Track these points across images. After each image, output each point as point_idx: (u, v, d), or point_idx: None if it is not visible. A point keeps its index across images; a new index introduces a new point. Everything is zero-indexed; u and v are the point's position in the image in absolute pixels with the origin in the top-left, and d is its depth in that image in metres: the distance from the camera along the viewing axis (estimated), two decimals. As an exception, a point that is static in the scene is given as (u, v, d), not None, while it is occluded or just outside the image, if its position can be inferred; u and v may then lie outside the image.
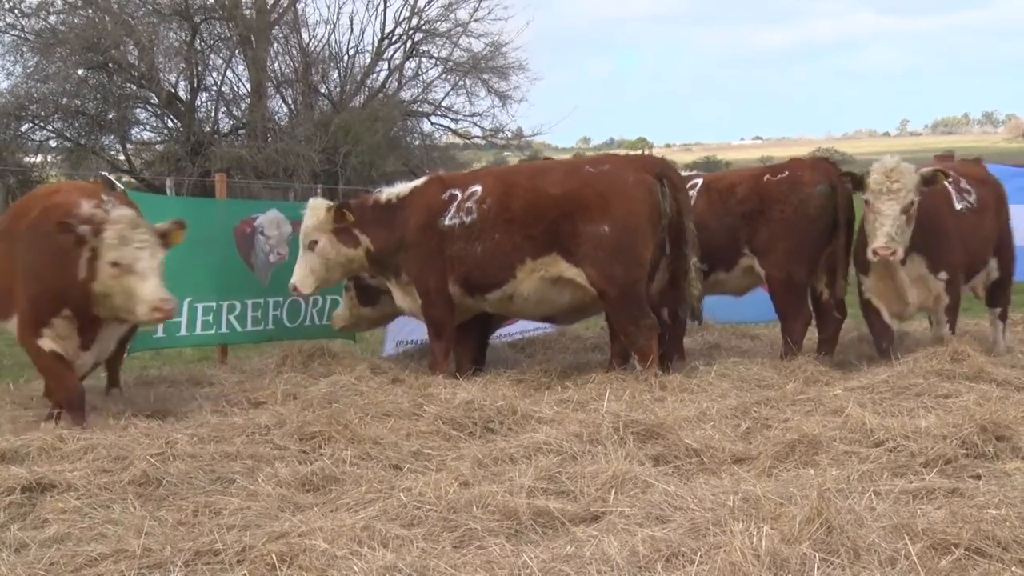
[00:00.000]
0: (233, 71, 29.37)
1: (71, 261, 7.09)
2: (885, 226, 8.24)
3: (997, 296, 9.63)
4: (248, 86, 29.10)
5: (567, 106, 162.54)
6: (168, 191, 23.49)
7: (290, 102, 30.43)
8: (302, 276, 9.12)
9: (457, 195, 8.91)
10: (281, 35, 29.75)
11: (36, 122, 27.77)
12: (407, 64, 30.53)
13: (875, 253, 8.27)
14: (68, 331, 7.32)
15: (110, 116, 27.78)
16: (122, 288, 7.01)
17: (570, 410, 7.31)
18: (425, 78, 30.89)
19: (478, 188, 8.89)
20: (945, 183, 8.70)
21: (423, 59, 30.77)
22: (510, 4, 49.31)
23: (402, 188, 9.31)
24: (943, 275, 8.70)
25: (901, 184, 8.31)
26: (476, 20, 29.94)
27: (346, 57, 30.16)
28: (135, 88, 28.37)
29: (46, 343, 7.29)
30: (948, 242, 8.74)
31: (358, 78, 30.20)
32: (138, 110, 29.27)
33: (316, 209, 9.17)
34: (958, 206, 8.97)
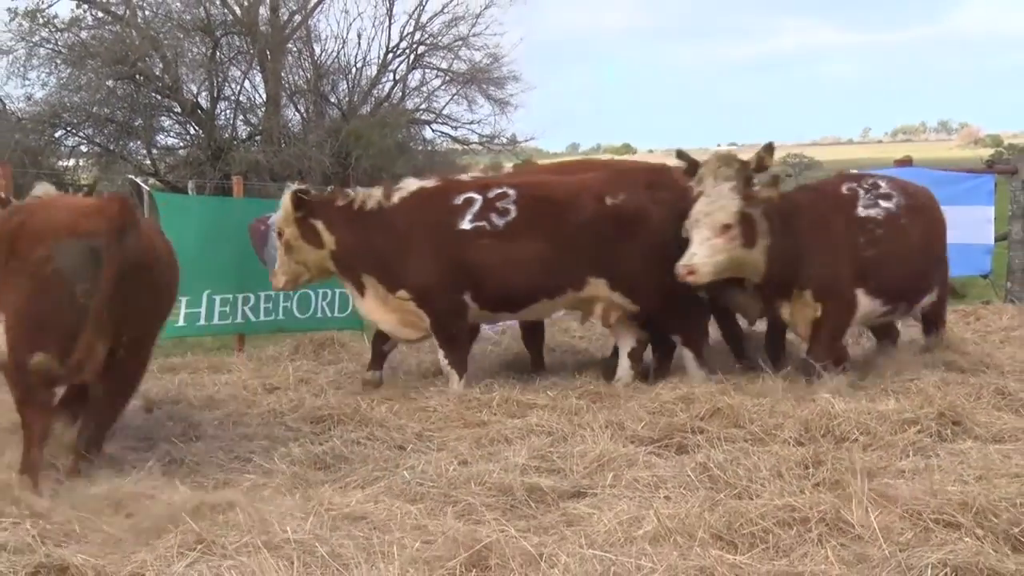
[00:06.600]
0: (250, 82, 29.35)
1: None
2: None
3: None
4: (264, 96, 29.08)
5: (556, 113, 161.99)
6: (190, 192, 23.42)
7: (303, 111, 30.43)
8: None
9: None
10: (295, 49, 29.75)
11: (69, 129, 27.71)
12: (411, 75, 30.59)
13: None
14: None
15: (137, 124, 27.74)
16: None
17: (563, 396, 7.22)
18: (428, 87, 30.96)
19: None
20: None
21: (426, 70, 30.80)
22: (505, 20, 49.23)
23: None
24: None
25: None
26: (475, 35, 29.96)
27: (354, 69, 30.20)
28: (160, 98, 28.32)
29: None
30: None
31: (365, 88, 30.21)
32: (163, 118, 29.20)
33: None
34: None
